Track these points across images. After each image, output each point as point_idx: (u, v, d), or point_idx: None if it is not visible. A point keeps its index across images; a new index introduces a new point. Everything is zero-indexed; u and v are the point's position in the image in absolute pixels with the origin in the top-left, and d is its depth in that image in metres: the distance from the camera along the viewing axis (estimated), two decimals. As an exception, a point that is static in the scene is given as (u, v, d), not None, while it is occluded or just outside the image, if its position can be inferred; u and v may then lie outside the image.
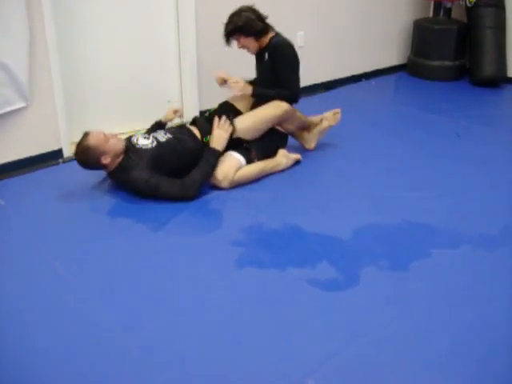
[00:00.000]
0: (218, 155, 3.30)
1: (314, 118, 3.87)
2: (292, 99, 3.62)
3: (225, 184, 3.32)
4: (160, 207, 3.18)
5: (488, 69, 5.38)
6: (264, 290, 2.49)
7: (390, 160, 3.81)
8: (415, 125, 4.50)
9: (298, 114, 3.69)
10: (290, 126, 3.68)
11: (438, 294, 2.46)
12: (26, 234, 2.92)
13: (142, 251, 2.79)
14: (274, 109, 3.50)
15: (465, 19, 5.65)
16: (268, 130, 3.55)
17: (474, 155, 3.90)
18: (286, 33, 4.75)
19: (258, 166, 3.46)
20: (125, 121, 4.19)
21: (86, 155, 3.16)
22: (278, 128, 3.64)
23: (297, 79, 3.63)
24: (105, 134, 3.18)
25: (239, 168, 3.37)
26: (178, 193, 3.17)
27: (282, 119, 3.54)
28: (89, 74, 3.96)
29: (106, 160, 3.14)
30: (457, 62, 5.66)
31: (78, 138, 3.89)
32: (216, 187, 3.34)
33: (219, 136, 3.32)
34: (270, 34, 3.57)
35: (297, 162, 3.71)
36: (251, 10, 3.51)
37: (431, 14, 5.94)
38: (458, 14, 5.77)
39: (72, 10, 3.75)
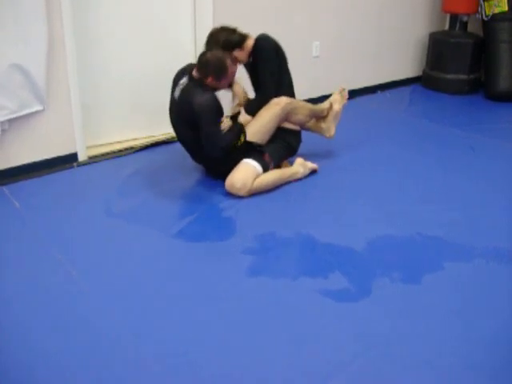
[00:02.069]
0: (241, 128, 3.42)
1: (324, 105, 3.84)
2: (266, 101, 3.57)
3: (243, 192, 3.33)
4: (174, 213, 3.21)
5: (503, 83, 5.37)
6: (275, 299, 2.49)
7: (403, 172, 3.80)
8: (429, 138, 4.49)
9: (302, 103, 3.69)
10: (300, 117, 3.64)
11: (451, 308, 2.44)
12: (39, 237, 2.94)
13: (154, 257, 2.80)
14: (273, 107, 3.51)
15: (481, 33, 5.65)
16: (279, 132, 3.57)
17: (487, 169, 3.88)
18: (302, 43, 4.78)
19: (276, 174, 3.47)
20: (142, 126, 4.22)
21: (217, 59, 3.24)
22: (291, 127, 3.63)
23: (272, 81, 3.59)
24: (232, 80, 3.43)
25: (257, 176, 3.38)
26: (215, 142, 3.24)
27: (283, 114, 3.53)
28: (106, 79, 3.98)
29: (212, 79, 3.25)
30: (472, 76, 5.65)
31: (92, 142, 3.97)
32: (232, 195, 3.35)
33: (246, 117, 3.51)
34: (251, 39, 3.57)
35: (313, 172, 3.71)
36: (222, 29, 3.53)
37: (447, 27, 5.93)
38: (474, 27, 5.77)
39: (91, 14, 3.78)
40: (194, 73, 3.29)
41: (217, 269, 2.70)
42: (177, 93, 3.34)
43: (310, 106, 3.73)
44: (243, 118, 3.61)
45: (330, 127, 3.85)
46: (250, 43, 3.55)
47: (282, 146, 3.61)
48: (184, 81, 3.32)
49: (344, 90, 3.92)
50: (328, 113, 3.84)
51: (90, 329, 2.28)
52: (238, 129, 3.38)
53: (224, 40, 3.45)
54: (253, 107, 3.58)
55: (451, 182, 3.67)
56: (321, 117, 3.84)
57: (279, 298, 2.49)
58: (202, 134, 3.22)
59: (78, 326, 2.29)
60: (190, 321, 2.34)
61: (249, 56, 3.58)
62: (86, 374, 2.06)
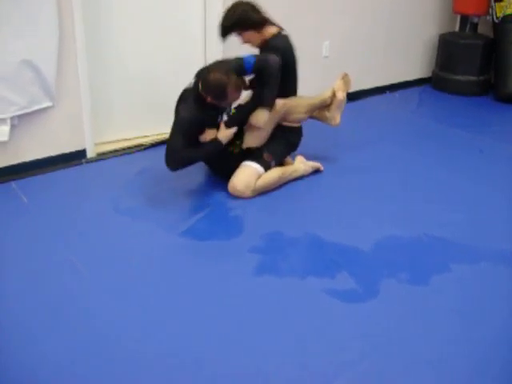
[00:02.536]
0: (217, 145, 3.26)
1: (325, 95, 3.73)
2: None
3: (247, 194, 3.33)
4: (182, 212, 3.21)
5: (513, 85, 5.36)
6: (282, 298, 2.49)
7: (410, 173, 3.80)
8: (437, 139, 4.47)
9: (299, 101, 3.57)
10: (297, 116, 3.56)
11: (458, 310, 2.44)
12: (46, 232, 2.95)
13: (160, 255, 2.81)
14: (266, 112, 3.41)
15: (491, 34, 5.62)
16: (278, 131, 3.51)
17: (494, 171, 3.87)
18: (312, 43, 4.75)
19: (278, 173, 3.45)
20: (151, 123, 4.21)
21: (218, 85, 3.09)
22: (290, 124, 3.56)
23: (273, 91, 3.37)
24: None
25: (259, 176, 3.37)
26: (168, 154, 3.18)
27: (279, 117, 3.46)
28: (116, 76, 3.99)
29: (211, 99, 3.15)
30: (481, 78, 5.63)
31: (101, 139, 3.98)
32: (238, 197, 3.35)
33: (226, 132, 3.30)
34: (273, 29, 3.46)
35: (318, 171, 3.71)
36: (246, 3, 3.40)
37: (457, 29, 5.92)
38: (484, 29, 5.75)
39: (101, 10, 3.78)
40: (200, 84, 3.20)
41: (223, 267, 2.71)
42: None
43: (308, 101, 3.64)
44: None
45: (334, 116, 3.77)
46: (269, 31, 3.43)
47: (282, 143, 3.56)
48: (190, 82, 3.29)
49: (346, 75, 3.82)
50: (332, 101, 3.75)
51: (93, 327, 2.28)
52: (213, 147, 3.27)
53: (242, 13, 3.34)
54: (239, 117, 3.41)
55: (458, 183, 3.66)
56: (324, 106, 3.76)
57: (286, 298, 2.49)
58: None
59: (81, 325, 2.29)
60: (195, 319, 2.34)
61: (262, 44, 3.45)
62: (87, 373, 2.06)
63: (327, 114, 3.78)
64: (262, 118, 3.36)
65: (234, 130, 3.29)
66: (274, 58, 3.28)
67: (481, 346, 2.23)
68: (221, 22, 3.41)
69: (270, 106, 3.37)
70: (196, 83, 3.25)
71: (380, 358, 2.15)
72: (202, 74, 3.22)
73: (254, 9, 3.40)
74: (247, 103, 3.47)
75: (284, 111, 3.47)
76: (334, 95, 3.74)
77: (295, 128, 3.63)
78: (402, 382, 2.05)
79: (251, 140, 3.45)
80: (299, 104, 3.57)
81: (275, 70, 3.28)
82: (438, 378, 2.07)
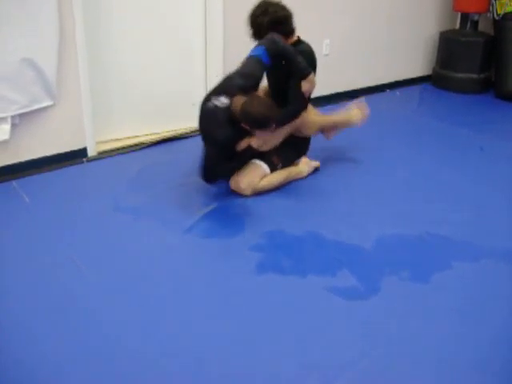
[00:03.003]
0: (252, 151, 3.28)
1: (339, 118, 3.76)
2: (295, 115, 3.41)
3: (248, 191, 3.33)
4: (183, 210, 3.20)
5: (514, 83, 5.35)
6: (283, 296, 2.49)
7: (411, 172, 3.79)
8: (438, 137, 4.47)
9: (315, 119, 3.60)
10: (309, 131, 3.59)
11: (459, 308, 2.44)
12: (48, 231, 2.95)
13: (162, 253, 2.81)
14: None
15: (492, 32, 5.61)
16: (289, 138, 3.51)
17: (495, 170, 3.87)
18: (312, 41, 4.75)
19: (283, 174, 3.47)
20: (150, 122, 4.22)
21: (263, 118, 2.98)
22: (301, 135, 3.60)
23: (298, 58, 3.26)
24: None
25: (264, 176, 3.38)
26: (207, 171, 3.30)
27: (293, 130, 3.47)
28: (116, 75, 3.99)
29: (246, 126, 3.04)
30: (482, 75, 5.62)
31: (102, 138, 3.98)
32: (239, 194, 3.35)
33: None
34: (295, 36, 3.46)
35: (316, 169, 3.72)
36: (285, 8, 3.37)
37: (458, 26, 5.90)
38: (484, 26, 5.74)
39: (101, 11, 3.78)
40: (234, 107, 3.04)
41: (225, 266, 2.71)
42: (211, 104, 3.12)
43: (321, 121, 3.66)
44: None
45: (330, 134, 3.82)
46: (293, 39, 3.43)
47: (291, 150, 3.57)
48: (224, 102, 3.08)
49: (365, 109, 3.81)
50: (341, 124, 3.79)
51: (93, 327, 2.28)
52: (249, 154, 3.30)
53: (285, 18, 3.31)
54: (283, 119, 3.33)
55: (459, 181, 3.65)
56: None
57: (287, 296, 2.49)
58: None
59: (81, 325, 2.29)
60: (196, 318, 2.34)
61: None
62: (87, 373, 2.05)
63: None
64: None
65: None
66: (272, 35, 3.25)
67: (481, 346, 2.22)
68: (254, 17, 3.34)
69: (308, 72, 3.28)
70: (229, 105, 3.07)
71: (381, 356, 2.15)
72: (232, 92, 3.10)
73: (291, 16, 3.39)
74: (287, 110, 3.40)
75: (299, 124, 3.47)
76: (347, 121, 3.77)
77: (305, 138, 3.66)
78: (401, 382, 2.05)
79: (266, 145, 3.44)
80: (314, 122, 3.59)
81: (284, 44, 3.25)
82: (438, 378, 2.07)
